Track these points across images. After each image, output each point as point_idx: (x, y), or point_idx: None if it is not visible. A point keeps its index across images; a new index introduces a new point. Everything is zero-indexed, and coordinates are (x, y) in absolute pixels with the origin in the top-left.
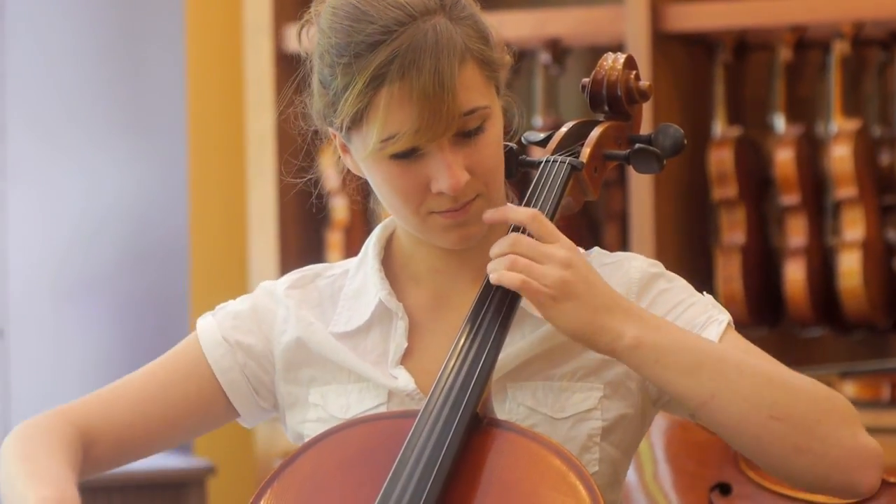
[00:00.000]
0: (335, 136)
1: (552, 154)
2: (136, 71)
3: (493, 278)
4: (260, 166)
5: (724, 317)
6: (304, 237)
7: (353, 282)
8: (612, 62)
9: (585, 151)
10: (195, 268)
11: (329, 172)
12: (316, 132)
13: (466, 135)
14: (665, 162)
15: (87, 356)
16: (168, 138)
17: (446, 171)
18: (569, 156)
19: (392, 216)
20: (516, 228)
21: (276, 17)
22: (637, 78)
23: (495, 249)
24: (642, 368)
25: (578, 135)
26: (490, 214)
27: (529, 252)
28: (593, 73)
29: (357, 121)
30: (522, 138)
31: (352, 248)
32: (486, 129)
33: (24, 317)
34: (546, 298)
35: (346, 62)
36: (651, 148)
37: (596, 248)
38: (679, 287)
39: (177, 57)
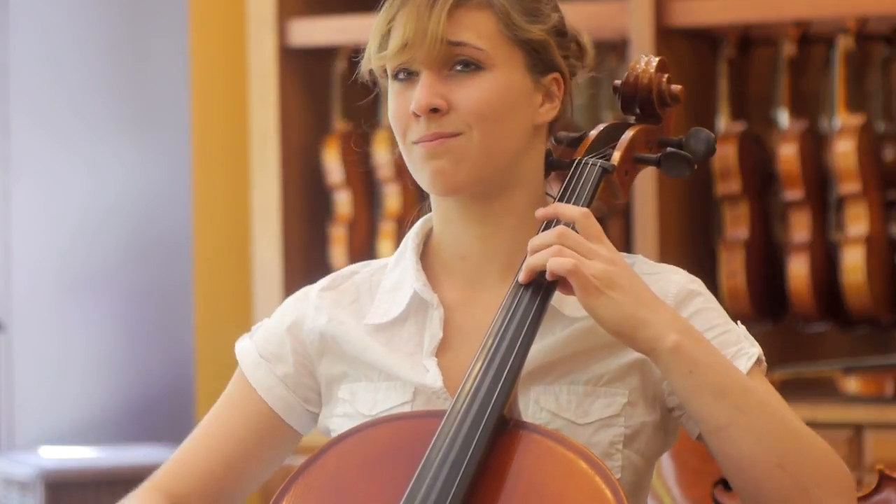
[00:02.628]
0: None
1: (584, 156)
2: (139, 65)
3: (536, 263)
4: (263, 160)
5: (755, 350)
6: (307, 231)
7: (392, 275)
8: (645, 65)
9: (616, 154)
10: (198, 262)
11: (333, 166)
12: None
13: (457, 68)
14: (696, 166)
15: (91, 350)
16: (172, 133)
17: (420, 90)
18: (600, 158)
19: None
20: (548, 226)
21: (280, 11)
22: (669, 81)
23: (538, 241)
24: (674, 375)
25: (609, 137)
26: (542, 212)
27: (576, 245)
28: (625, 74)
29: (381, 46)
30: (553, 138)
31: (355, 243)
32: (480, 73)
33: (28, 310)
34: (592, 288)
35: None
36: (682, 152)
37: (639, 256)
38: (716, 310)
39: (180, 51)
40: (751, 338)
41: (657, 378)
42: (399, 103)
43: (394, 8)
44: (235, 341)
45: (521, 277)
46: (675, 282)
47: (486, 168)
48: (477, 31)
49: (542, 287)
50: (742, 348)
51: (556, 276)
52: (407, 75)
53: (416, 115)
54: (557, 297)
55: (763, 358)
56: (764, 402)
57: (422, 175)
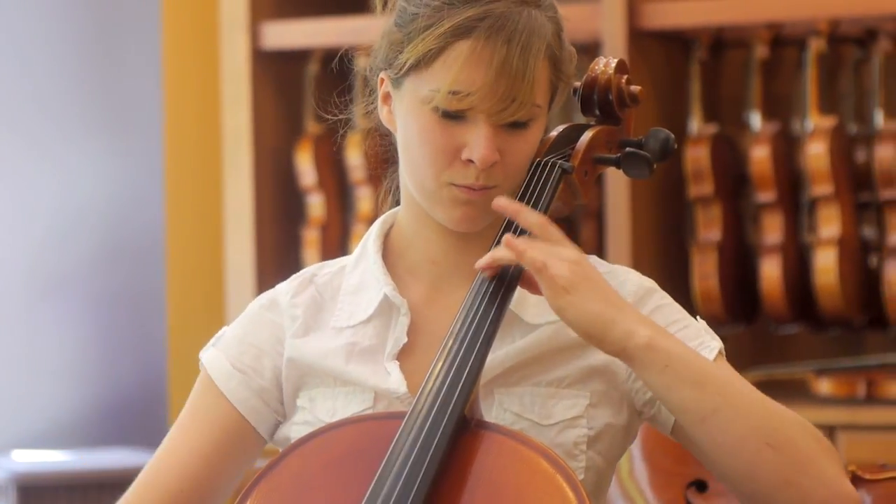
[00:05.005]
0: (382, 82)
1: (543, 156)
2: (111, 67)
3: (505, 256)
4: (236, 163)
5: (717, 343)
6: (279, 234)
7: (352, 277)
8: (604, 66)
9: (576, 155)
10: (171, 265)
11: (306, 169)
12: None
13: (513, 124)
14: (655, 166)
15: (63, 353)
16: (144, 135)
17: (484, 142)
18: (560, 158)
19: (407, 182)
20: (508, 226)
21: (252, 13)
22: (628, 82)
23: (506, 241)
24: (648, 372)
25: (569, 138)
26: (504, 203)
27: (542, 248)
28: (585, 76)
29: (423, 64)
30: None
31: (328, 246)
32: (530, 127)
33: None
34: (559, 288)
35: (437, 5)
36: (641, 152)
37: (593, 256)
38: (673, 305)
39: (153, 53)
40: (711, 331)
41: (622, 380)
42: (445, 139)
43: (456, 33)
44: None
45: (482, 263)
46: (631, 280)
47: None
48: (540, 85)
49: (503, 285)
50: (703, 342)
51: (522, 271)
52: (458, 113)
53: (468, 161)
54: (518, 303)
55: (724, 351)
56: (744, 386)
57: (446, 214)
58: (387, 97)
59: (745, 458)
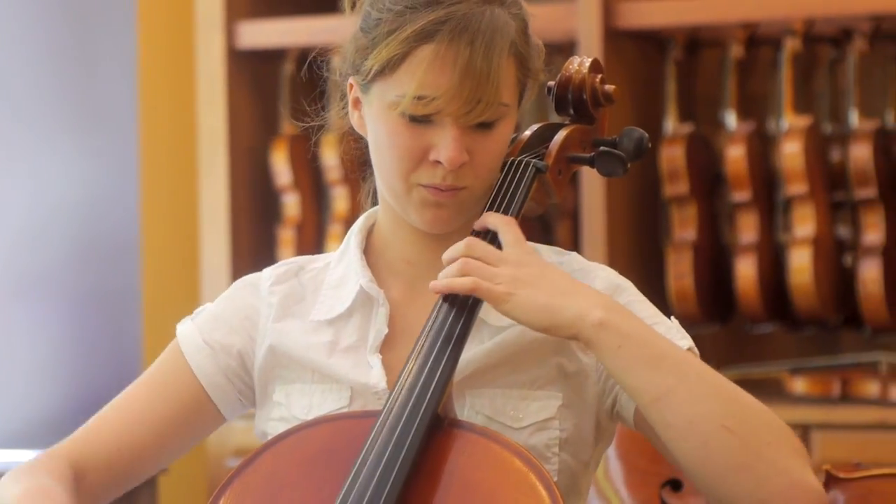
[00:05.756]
0: (351, 87)
1: (517, 156)
2: (86, 66)
3: (442, 286)
4: (211, 163)
5: (686, 342)
6: (255, 233)
7: (336, 271)
8: (578, 65)
9: (550, 154)
10: (146, 265)
11: (281, 168)
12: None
13: (481, 124)
14: (629, 165)
15: (37, 353)
16: (119, 134)
17: (451, 144)
18: (534, 157)
19: (379, 185)
20: (476, 233)
21: (228, 13)
22: (602, 82)
23: (448, 254)
24: (603, 352)
25: (543, 137)
26: (477, 224)
27: (483, 256)
28: (559, 75)
29: (388, 69)
30: None
31: (303, 245)
32: (498, 126)
33: None
34: (500, 295)
35: (399, 10)
36: (615, 151)
37: (573, 254)
38: (644, 303)
39: (128, 52)
40: (682, 331)
41: (593, 381)
42: (412, 142)
43: (419, 37)
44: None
45: (434, 290)
46: (601, 277)
47: (475, 208)
48: (506, 84)
49: None
50: (670, 339)
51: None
52: (425, 117)
53: (436, 162)
54: (483, 307)
55: (696, 351)
56: (703, 370)
57: (417, 216)
58: (357, 102)
59: (698, 440)
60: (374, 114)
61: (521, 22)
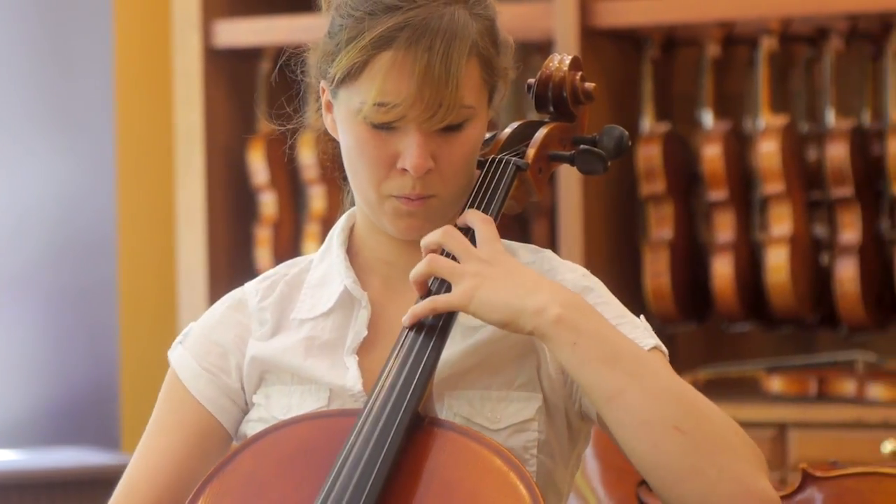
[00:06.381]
0: (323, 91)
1: (497, 154)
2: (63, 65)
3: (407, 320)
4: (188, 161)
5: (652, 341)
6: (232, 232)
7: (317, 271)
8: (559, 63)
9: (530, 152)
10: (123, 263)
11: (258, 168)
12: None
13: (446, 128)
14: (609, 163)
15: (13, 352)
16: (96, 133)
17: (416, 150)
18: (514, 155)
19: (354, 191)
20: (458, 228)
21: (204, 12)
22: (582, 79)
23: (426, 241)
24: (559, 349)
25: (523, 135)
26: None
27: (455, 246)
28: (539, 73)
29: (350, 76)
30: None
31: (280, 244)
32: (465, 129)
33: None
34: (462, 300)
35: (359, 16)
36: (596, 149)
37: (547, 252)
38: (612, 305)
39: (105, 51)
40: (649, 330)
41: (561, 383)
42: (378, 151)
43: (376, 45)
44: (160, 342)
45: (405, 325)
46: (567, 280)
47: (449, 213)
48: (469, 86)
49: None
50: (636, 338)
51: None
52: (387, 124)
53: (403, 170)
54: None
55: (664, 350)
56: (660, 371)
57: (391, 226)
58: (329, 105)
59: (650, 440)
60: (342, 119)
61: (486, 21)
